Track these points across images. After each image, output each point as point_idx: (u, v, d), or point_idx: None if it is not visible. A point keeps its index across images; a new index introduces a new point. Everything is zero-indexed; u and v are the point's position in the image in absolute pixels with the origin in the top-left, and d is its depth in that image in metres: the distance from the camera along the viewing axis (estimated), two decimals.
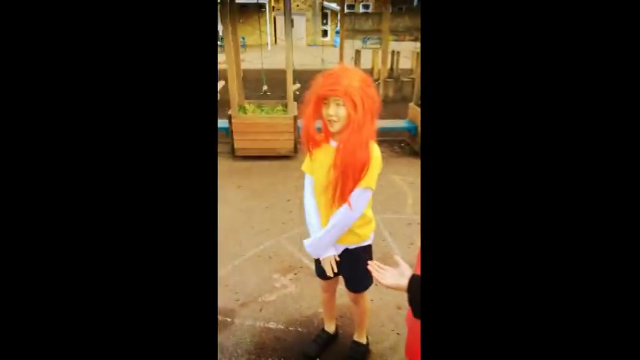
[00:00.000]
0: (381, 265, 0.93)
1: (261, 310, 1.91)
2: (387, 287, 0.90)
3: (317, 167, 1.25)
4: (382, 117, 1.18)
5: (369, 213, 1.30)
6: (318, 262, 1.49)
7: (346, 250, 1.33)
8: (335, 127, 1.14)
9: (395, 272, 0.90)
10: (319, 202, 1.29)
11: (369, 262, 0.95)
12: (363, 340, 1.65)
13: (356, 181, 1.16)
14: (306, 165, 1.30)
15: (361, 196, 1.17)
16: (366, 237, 1.31)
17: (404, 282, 0.87)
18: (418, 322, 1.05)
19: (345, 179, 1.15)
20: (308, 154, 1.26)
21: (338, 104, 1.10)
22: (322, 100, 1.13)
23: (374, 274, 0.91)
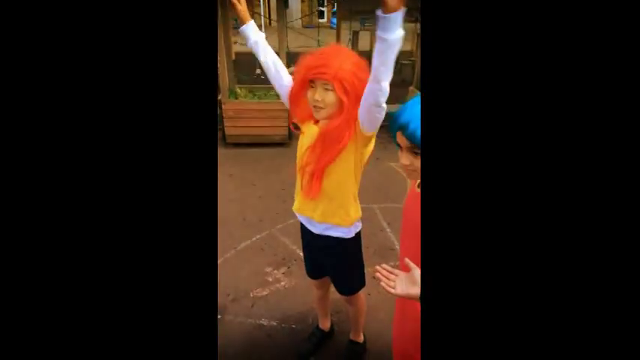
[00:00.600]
0: (390, 270, 0.82)
1: (252, 306, 1.83)
2: (397, 296, 0.80)
3: (300, 143, 1.15)
4: None
5: (355, 192, 1.16)
6: (307, 260, 1.39)
7: (330, 241, 1.20)
8: (321, 114, 1.02)
9: (405, 279, 0.79)
10: (298, 182, 1.18)
11: (377, 267, 0.83)
12: (360, 339, 1.56)
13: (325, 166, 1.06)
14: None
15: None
16: (349, 221, 1.17)
17: (416, 291, 0.76)
18: (406, 317, 0.98)
19: (318, 166, 1.05)
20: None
21: (326, 89, 0.97)
22: (309, 83, 1.00)
23: (382, 282, 0.81)
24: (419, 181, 0.92)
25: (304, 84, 1.01)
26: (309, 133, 1.11)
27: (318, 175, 1.07)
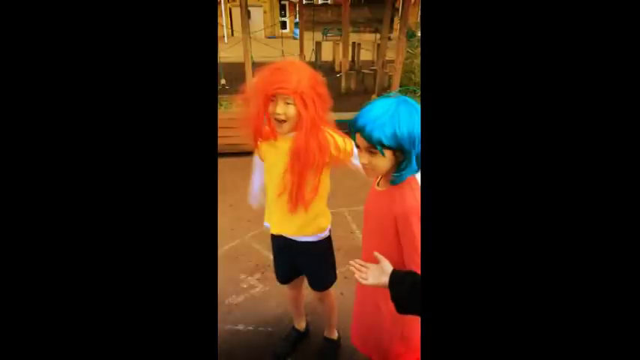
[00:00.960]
0: (362, 263, 0.91)
1: (228, 312, 1.85)
2: (370, 286, 0.88)
3: (268, 167, 1.20)
4: (345, 109, 1.16)
5: (325, 199, 1.26)
6: (277, 266, 1.46)
7: (308, 245, 1.29)
8: (283, 128, 1.08)
9: (376, 270, 0.88)
10: (274, 205, 1.24)
11: (350, 262, 0.92)
12: (334, 336, 1.64)
13: (317, 180, 1.13)
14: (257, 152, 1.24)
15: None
16: (324, 227, 1.28)
17: (385, 280, 0.85)
18: (368, 309, 1.07)
19: (302, 182, 1.11)
20: (255, 147, 1.20)
21: (287, 103, 1.04)
22: (270, 98, 1.06)
23: (356, 275, 0.89)
24: (378, 179, 1.01)
25: (267, 100, 1.06)
26: (276, 154, 1.15)
27: (301, 191, 1.13)
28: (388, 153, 0.87)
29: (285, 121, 1.06)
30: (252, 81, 1.11)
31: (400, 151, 0.86)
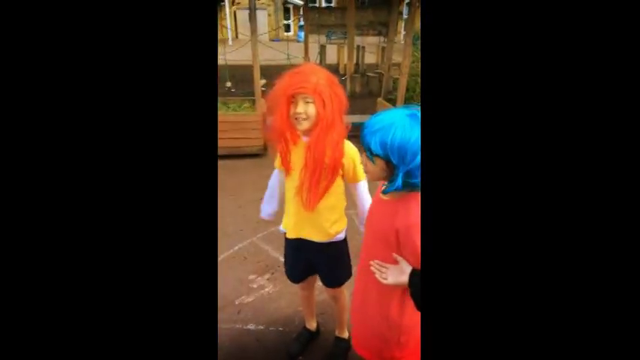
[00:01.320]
0: (382, 264, 0.93)
1: (239, 312, 1.87)
2: (390, 285, 0.90)
3: (290, 171, 1.23)
4: (350, 112, 1.18)
5: (343, 208, 1.30)
6: (289, 265, 1.48)
7: (323, 246, 1.31)
8: (303, 125, 1.11)
9: (395, 270, 0.90)
10: (291, 207, 1.27)
11: (370, 262, 0.95)
12: (345, 335, 1.66)
13: (329, 183, 1.16)
14: (278, 163, 1.27)
15: (363, 188, 1.28)
16: (341, 230, 1.31)
17: (404, 279, 0.88)
18: (366, 314, 1.08)
19: (315, 181, 1.14)
20: (279, 154, 1.22)
21: (307, 102, 1.08)
22: (290, 99, 1.10)
23: (376, 275, 0.91)
24: (384, 188, 1.01)
25: (288, 101, 1.10)
26: (296, 158, 1.19)
27: (315, 188, 1.16)
28: (380, 161, 0.86)
29: (305, 119, 1.10)
30: (273, 89, 1.13)
31: (391, 163, 0.83)
